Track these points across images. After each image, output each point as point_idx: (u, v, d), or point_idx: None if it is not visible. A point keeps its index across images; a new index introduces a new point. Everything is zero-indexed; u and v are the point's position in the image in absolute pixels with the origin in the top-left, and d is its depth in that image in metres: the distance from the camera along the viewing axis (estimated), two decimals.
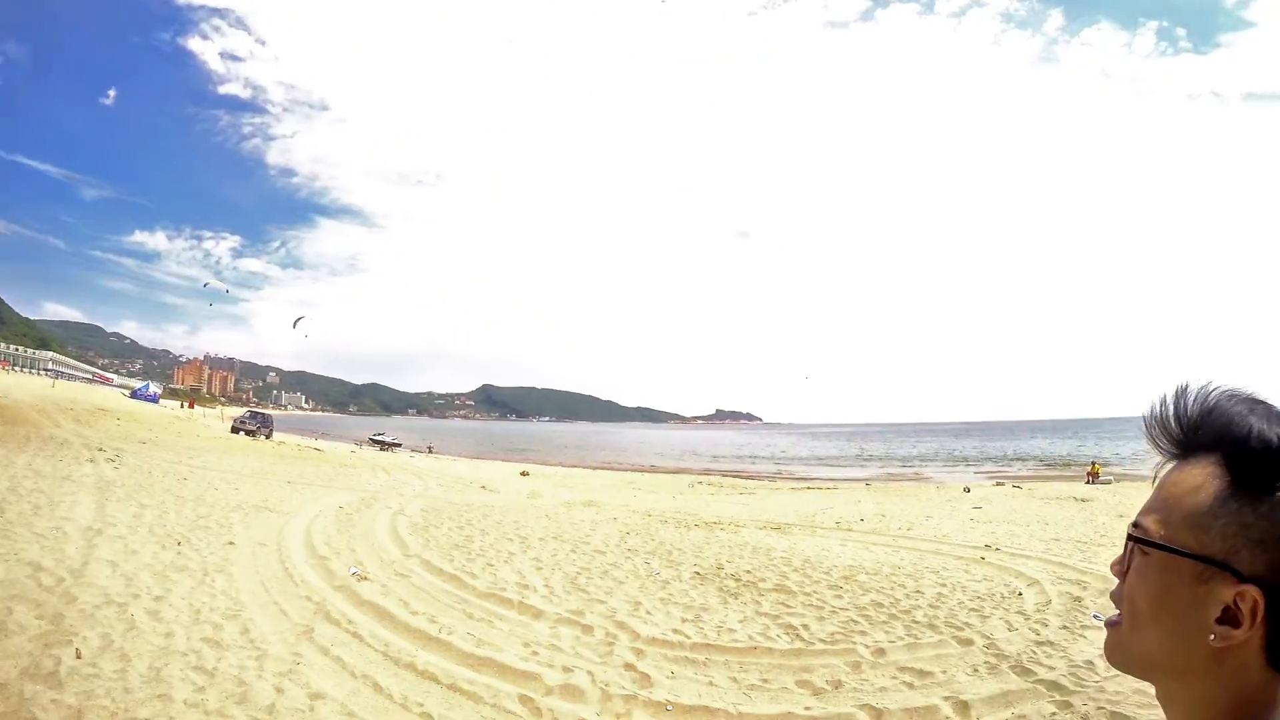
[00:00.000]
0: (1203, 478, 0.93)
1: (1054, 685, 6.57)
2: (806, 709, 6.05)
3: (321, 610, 7.79)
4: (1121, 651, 1.00)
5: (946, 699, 6.27)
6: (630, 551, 12.64)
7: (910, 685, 6.63)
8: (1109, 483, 38.02)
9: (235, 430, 52.99)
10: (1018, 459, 78.56)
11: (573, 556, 11.84)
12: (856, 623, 8.52)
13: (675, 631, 7.94)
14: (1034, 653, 7.48)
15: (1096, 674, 6.79)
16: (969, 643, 7.81)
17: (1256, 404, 0.93)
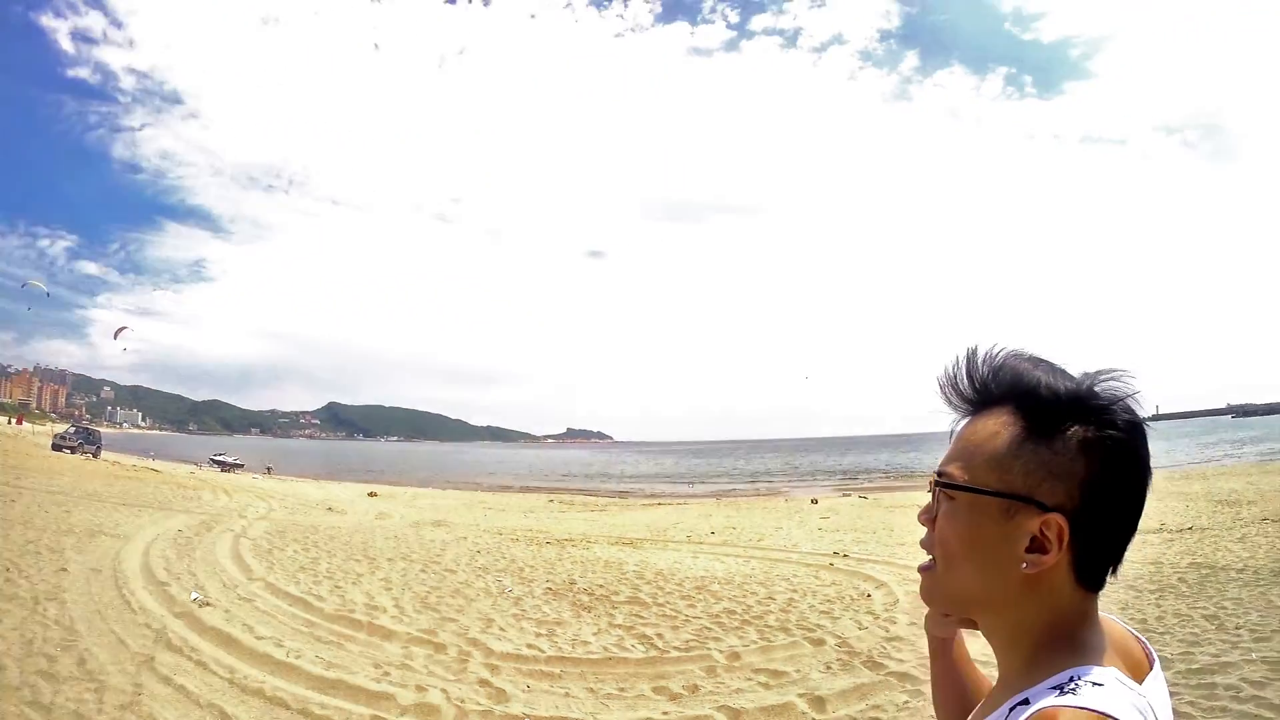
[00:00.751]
0: (998, 425, 1.06)
1: (905, 676, 6.93)
2: (664, 714, 6.20)
3: (162, 638, 7.52)
4: (940, 591, 1.13)
5: (801, 695, 6.52)
6: (481, 570, 12.60)
7: (766, 685, 6.86)
8: None
9: (57, 448, 50.07)
10: (862, 472, 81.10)
11: (423, 576, 11.74)
12: (710, 630, 8.74)
13: (529, 646, 7.99)
14: (884, 648, 7.85)
15: None
16: (821, 643, 8.13)
17: (1039, 361, 1.09)
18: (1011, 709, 0.99)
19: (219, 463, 59.01)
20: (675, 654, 7.83)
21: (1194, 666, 6.54)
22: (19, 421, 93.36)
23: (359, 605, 9.44)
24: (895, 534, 18.60)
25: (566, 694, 6.65)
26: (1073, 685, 0.95)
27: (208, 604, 8.97)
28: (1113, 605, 8.82)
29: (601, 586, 11.18)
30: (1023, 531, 1.01)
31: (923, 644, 7.61)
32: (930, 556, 1.13)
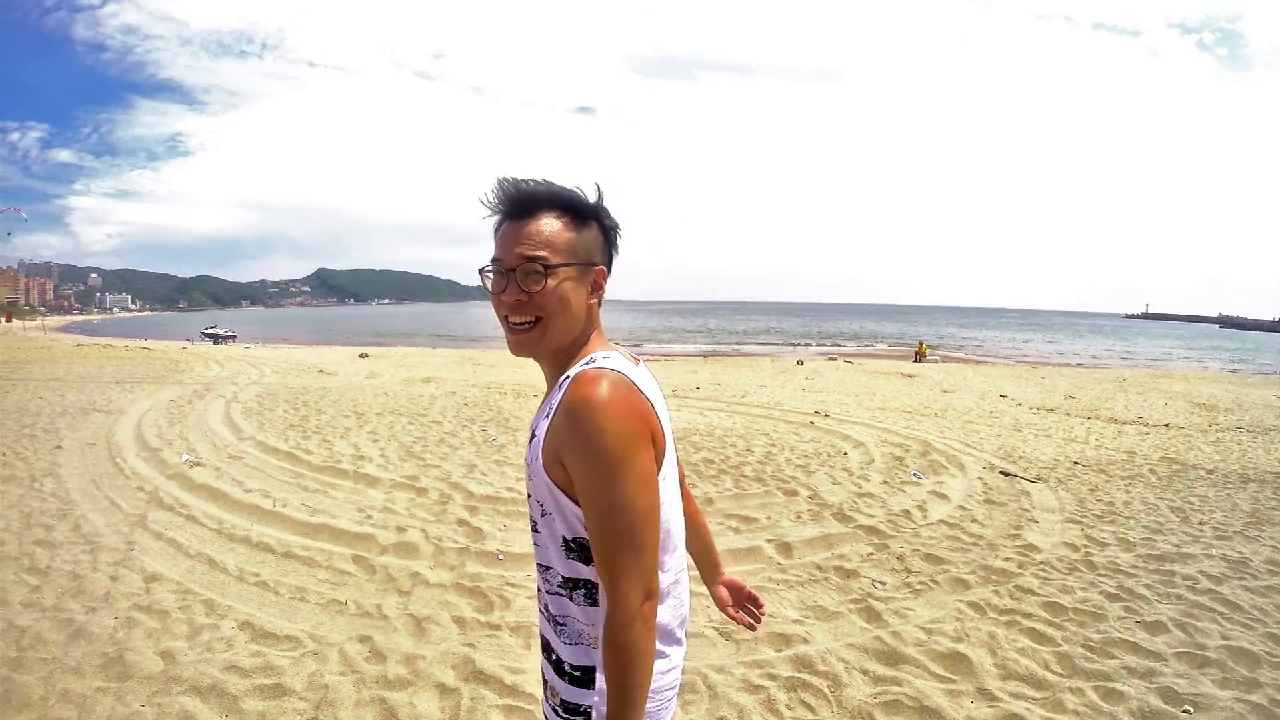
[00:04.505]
0: (558, 223, 1.64)
1: (872, 530, 7.21)
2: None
3: (154, 499, 7.82)
4: (543, 341, 1.67)
5: (770, 541, 6.81)
6: (468, 421, 12.94)
7: (736, 530, 7.17)
8: (935, 362, 41.57)
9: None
10: (849, 338, 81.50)
11: (410, 428, 12.07)
12: (687, 477, 8.98)
13: (509, 490, 8.29)
14: (855, 503, 8.14)
15: (913, 522, 7.52)
16: (794, 494, 8.43)
17: (553, 181, 1.66)
18: (560, 385, 1.59)
19: (211, 336, 59.14)
20: None
21: (1155, 552, 6.79)
22: (8, 319, 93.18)
23: (345, 456, 9.77)
24: (877, 398, 19.08)
25: None
26: (594, 360, 1.61)
27: (198, 464, 9.26)
28: (1084, 487, 9.29)
29: None
30: (589, 282, 1.69)
31: (894, 502, 7.98)
32: (528, 319, 1.64)
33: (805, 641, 4.85)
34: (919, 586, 5.87)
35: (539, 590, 1.72)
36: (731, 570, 4.38)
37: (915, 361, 40.92)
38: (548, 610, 1.69)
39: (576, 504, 1.53)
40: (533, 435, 1.66)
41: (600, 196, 1.67)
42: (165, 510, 7.44)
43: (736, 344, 68.68)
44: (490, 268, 1.66)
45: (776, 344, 68.22)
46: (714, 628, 4.96)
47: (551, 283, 1.60)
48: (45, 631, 4.82)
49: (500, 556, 6.28)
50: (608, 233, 1.72)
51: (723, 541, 6.77)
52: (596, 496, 1.46)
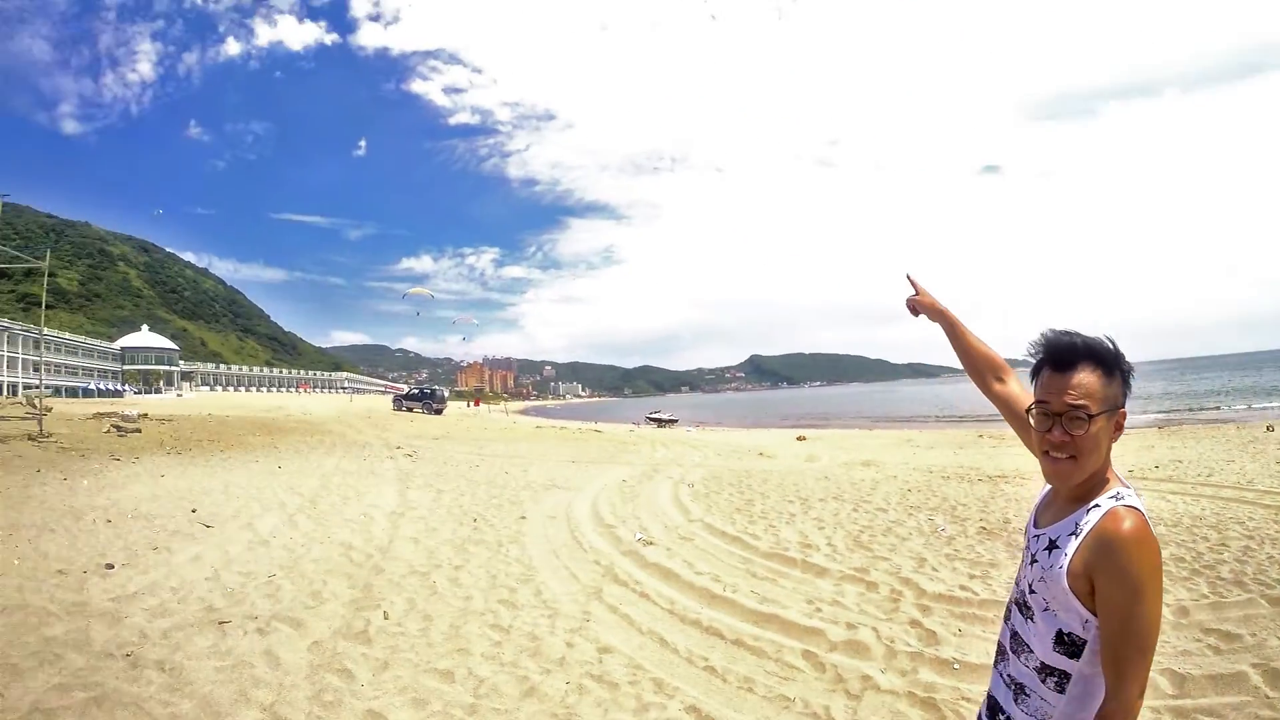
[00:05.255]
0: (1095, 375, 1.96)
1: None
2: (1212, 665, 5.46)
3: (609, 573, 8.06)
4: (1074, 474, 1.97)
5: (1256, 666, 5.47)
6: (913, 509, 12.27)
7: (1215, 650, 5.85)
8: None
9: (399, 407, 54.78)
10: None
11: (854, 515, 11.63)
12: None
13: (962, 588, 7.56)
14: None
15: None
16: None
17: (1081, 333, 2.02)
18: (1088, 510, 1.94)
19: (655, 420, 62.43)
20: None
21: None
22: (476, 404, 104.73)
23: (792, 543, 9.51)
24: None
25: None
26: (1120, 496, 1.93)
27: (651, 543, 9.48)
28: None
29: None
30: (1114, 423, 1.99)
31: None
32: (1066, 455, 1.97)
33: None
34: None
35: (1003, 649, 2.16)
36: (1207, 701, 4.87)
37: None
38: (1010, 678, 2.09)
39: (1090, 612, 1.88)
40: (1053, 545, 2.00)
41: (1116, 347, 2.00)
42: (619, 585, 7.61)
43: (1188, 409, 58.59)
44: (1036, 409, 2.05)
45: (1242, 406, 58.09)
46: None
47: (1090, 428, 1.94)
48: (502, 685, 5.03)
49: (955, 666, 5.60)
50: (1126, 377, 2.02)
51: (1200, 663, 5.55)
52: (1121, 614, 1.81)
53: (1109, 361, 1.98)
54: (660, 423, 60.06)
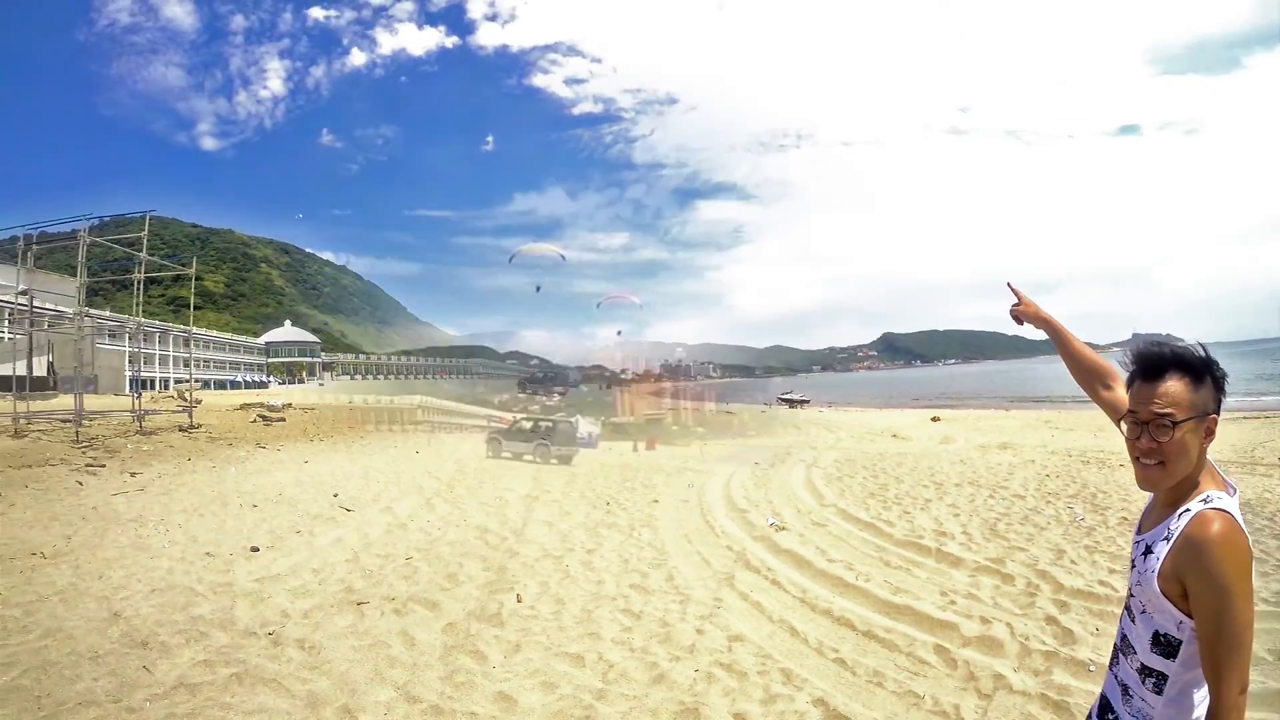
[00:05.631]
0: (1181, 384, 2.01)
1: None
2: (1260, 682, 4.75)
3: (741, 559, 8.00)
4: (1164, 479, 2.04)
5: None
6: (1051, 495, 11.87)
7: None
8: None
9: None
10: None
11: (990, 502, 11.32)
12: None
13: (1101, 583, 7.14)
14: None
15: None
16: None
17: (1171, 343, 2.09)
18: (1179, 515, 2.01)
19: (787, 400, 62.06)
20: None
21: None
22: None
23: (927, 531, 9.30)
24: None
25: None
26: (1209, 499, 1.99)
27: (783, 529, 9.40)
28: None
29: None
30: (1204, 428, 2.02)
31: None
32: (1155, 461, 2.03)
33: None
34: None
35: (1116, 650, 2.22)
36: None
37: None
38: (1119, 678, 2.17)
39: (1184, 614, 1.95)
40: (1148, 550, 2.09)
41: (1208, 353, 2.06)
42: (751, 572, 7.55)
43: None
44: (1127, 418, 2.11)
45: None
46: None
47: (1176, 435, 2.00)
48: (631, 670, 5.05)
49: (1091, 668, 5.28)
50: (1218, 383, 2.06)
51: None
52: (1214, 616, 1.87)
53: (1197, 369, 2.04)
54: (792, 404, 59.70)
